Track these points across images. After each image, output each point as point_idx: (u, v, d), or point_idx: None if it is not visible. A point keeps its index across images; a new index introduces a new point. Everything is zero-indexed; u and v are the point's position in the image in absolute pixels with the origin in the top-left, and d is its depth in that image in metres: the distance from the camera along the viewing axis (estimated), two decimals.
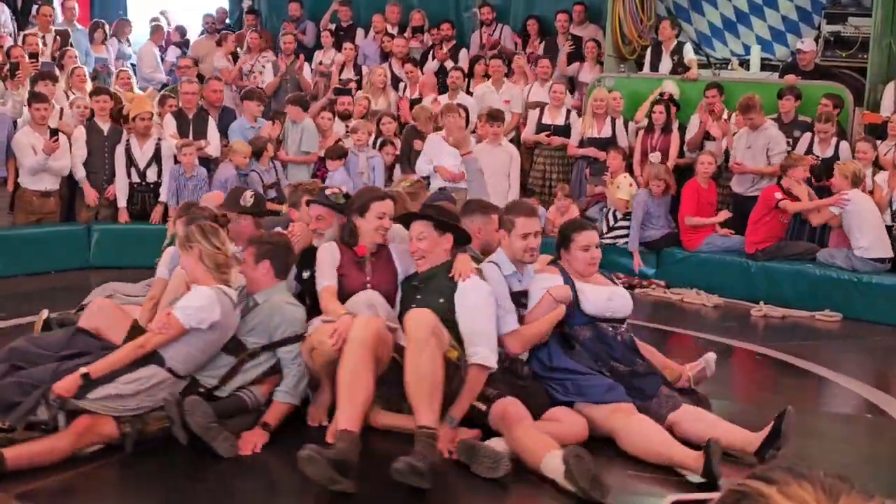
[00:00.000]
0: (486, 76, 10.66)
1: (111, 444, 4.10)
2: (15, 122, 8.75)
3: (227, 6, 13.93)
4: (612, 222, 9.02)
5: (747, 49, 10.63)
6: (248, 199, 5.53)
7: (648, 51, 10.53)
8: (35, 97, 8.54)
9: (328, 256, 4.73)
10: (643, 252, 8.80)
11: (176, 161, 8.79)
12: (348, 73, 11.32)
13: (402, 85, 11.10)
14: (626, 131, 9.68)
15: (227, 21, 13.47)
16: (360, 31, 12.28)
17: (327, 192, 5.06)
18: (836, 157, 8.59)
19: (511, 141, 9.75)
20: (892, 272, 7.89)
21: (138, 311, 4.99)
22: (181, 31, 13.66)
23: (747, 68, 10.39)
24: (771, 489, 1.13)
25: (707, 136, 9.33)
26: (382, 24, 12.02)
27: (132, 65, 12.17)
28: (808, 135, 8.81)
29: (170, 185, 8.73)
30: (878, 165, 8.45)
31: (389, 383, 4.26)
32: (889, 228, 7.99)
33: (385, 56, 11.62)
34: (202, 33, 12.89)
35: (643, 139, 9.49)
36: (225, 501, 3.90)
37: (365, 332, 4.09)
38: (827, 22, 10.12)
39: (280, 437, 4.32)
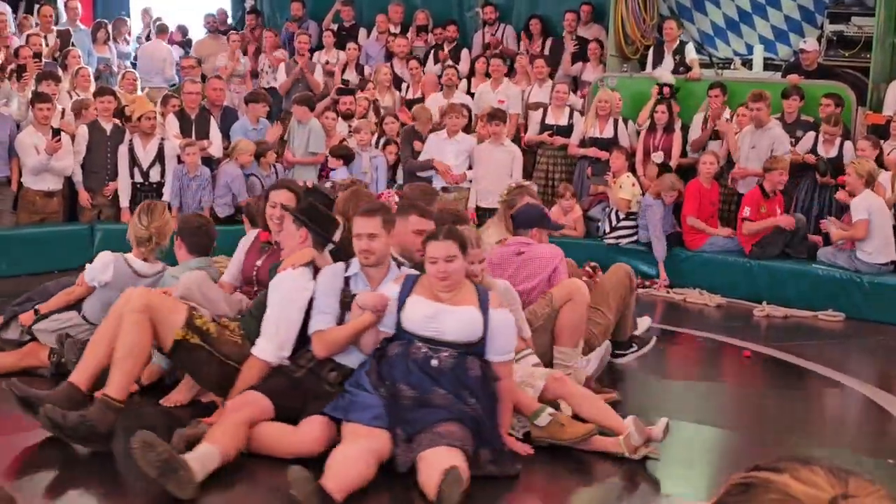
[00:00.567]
0: (488, 76, 10.67)
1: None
2: (18, 123, 8.76)
3: (227, 6, 13.94)
4: (614, 222, 9.02)
5: (750, 49, 10.63)
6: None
7: (651, 50, 10.53)
8: (38, 97, 8.54)
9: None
10: (644, 252, 8.79)
11: (179, 161, 8.79)
12: (350, 74, 11.33)
13: (404, 85, 11.11)
14: (627, 130, 9.67)
15: (229, 21, 13.48)
16: (362, 31, 12.29)
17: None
18: (840, 157, 8.59)
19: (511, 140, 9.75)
20: (894, 272, 7.88)
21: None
22: (183, 30, 13.67)
23: (750, 68, 10.39)
24: (782, 476, 1.15)
25: (715, 135, 9.32)
26: (386, 24, 12.03)
27: (132, 64, 12.18)
28: (811, 134, 8.80)
29: (173, 184, 8.74)
30: (881, 165, 8.43)
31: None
32: (894, 228, 7.97)
33: (389, 56, 11.63)
34: (207, 32, 12.91)
35: (645, 138, 9.48)
36: None
37: (136, 303, 4.31)
38: (830, 21, 10.12)
39: None
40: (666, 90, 9.47)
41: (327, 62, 11.50)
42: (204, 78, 10.42)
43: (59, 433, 4.02)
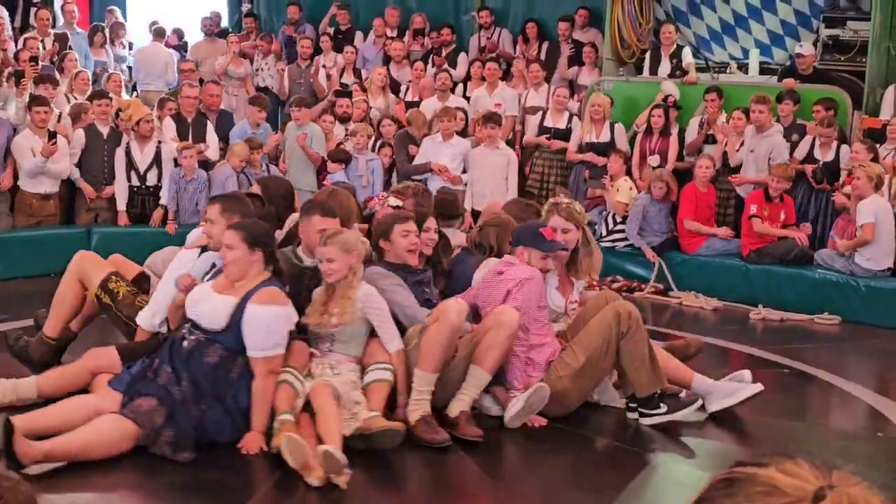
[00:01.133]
0: (484, 79, 10.68)
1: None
2: (15, 127, 8.75)
3: (224, 9, 13.94)
4: (611, 226, 9.03)
5: (746, 53, 10.64)
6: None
7: (647, 54, 10.55)
8: (35, 100, 8.55)
9: None
10: (640, 255, 8.80)
11: (176, 164, 8.80)
12: (348, 77, 11.35)
13: (403, 88, 11.12)
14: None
15: (223, 24, 13.47)
16: (358, 35, 12.31)
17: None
18: (836, 160, 8.62)
19: (507, 143, 9.77)
20: (891, 276, 7.90)
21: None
22: (179, 33, 13.66)
23: (746, 72, 10.40)
24: (767, 469, 1.17)
25: (707, 139, 9.35)
26: (383, 28, 12.05)
27: (129, 67, 12.18)
28: (808, 138, 8.83)
29: (170, 188, 8.74)
30: None
31: None
32: None
33: (387, 59, 11.65)
34: (204, 36, 12.90)
35: (642, 142, 9.50)
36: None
37: (72, 262, 5.46)
38: (826, 26, 10.13)
39: None
40: (670, 99, 9.50)
41: (323, 65, 11.52)
42: (202, 81, 10.43)
43: (10, 353, 5.40)
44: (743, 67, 10.53)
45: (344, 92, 10.65)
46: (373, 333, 4.63)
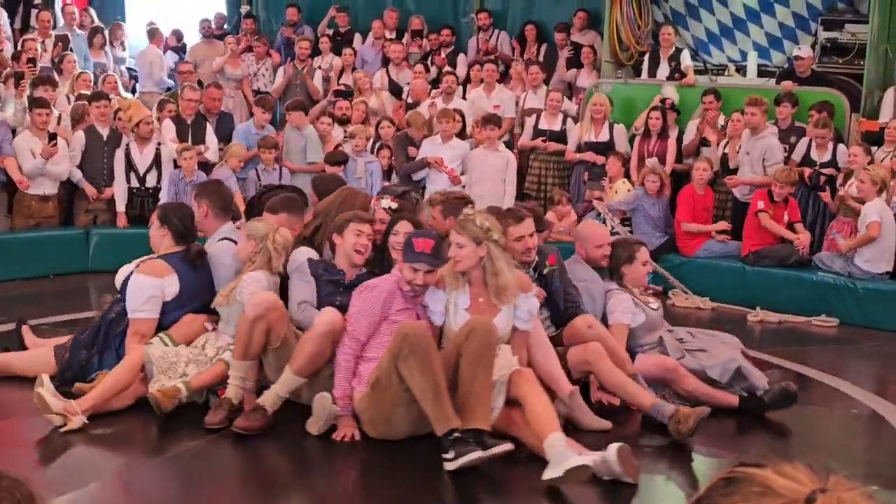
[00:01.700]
0: (483, 81, 10.70)
1: None
2: (14, 128, 8.75)
3: (224, 11, 13.93)
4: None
5: (744, 55, 10.66)
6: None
7: (646, 56, 10.57)
8: (36, 102, 8.56)
9: None
10: None
11: (175, 166, 8.80)
12: (346, 79, 11.35)
13: (404, 88, 11.13)
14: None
15: (225, 26, 13.48)
16: (357, 37, 12.32)
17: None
18: (833, 161, 8.64)
19: (505, 145, 9.78)
20: (889, 279, 7.91)
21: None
22: (178, 35, 13.66)
23: (744, 74, 10.42)
24: (764, 471, 1.19)
25: (703, 142, 9.37)
26: (381, 30, 12.07)
27: (129, 69, 12.18)
28: (804, 140, 8.85)
29: (169, 189, 8.74)
30: None
31: None
32: None
33: (385, 61, 11.67)
34: (203, 37, 12.90)
35: (640, 144, 9.52)
36: None
37: None
38: (824, 28, 10.16)
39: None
40: (668, 102, 9.52)
41: (320, 67, 11.53)
42: (201, 84, 10.44)
43: None
44: (741, 70, 10.56)
45: (343, 93, 10.66)
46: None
